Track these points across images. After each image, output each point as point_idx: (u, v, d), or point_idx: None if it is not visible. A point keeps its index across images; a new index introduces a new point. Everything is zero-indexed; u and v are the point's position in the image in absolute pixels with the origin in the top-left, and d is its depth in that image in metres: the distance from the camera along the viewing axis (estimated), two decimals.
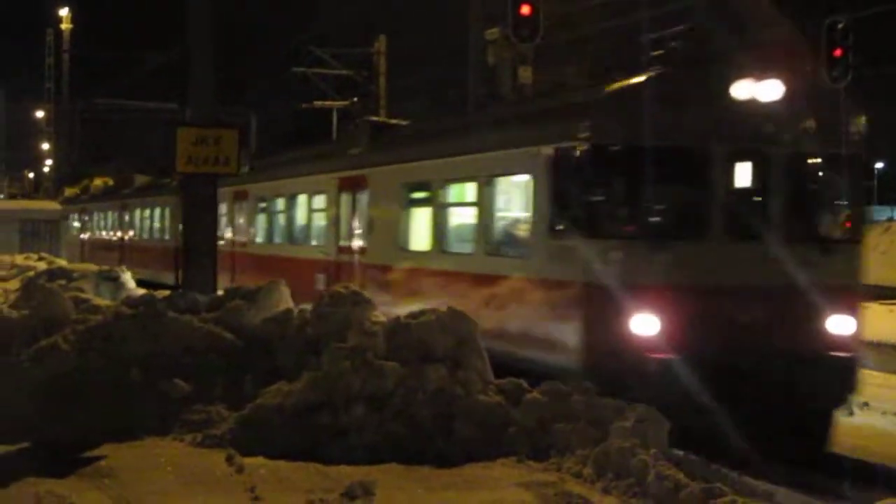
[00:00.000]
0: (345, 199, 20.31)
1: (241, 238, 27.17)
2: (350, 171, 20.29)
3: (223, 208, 28.27)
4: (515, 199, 15.12)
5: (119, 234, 41.49)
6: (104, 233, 44.72)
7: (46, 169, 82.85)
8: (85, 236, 48.59)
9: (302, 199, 23.18)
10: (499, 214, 15.31)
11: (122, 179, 47.77)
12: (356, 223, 19.74)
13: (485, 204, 15.18)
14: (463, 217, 16.23)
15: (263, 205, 25.76)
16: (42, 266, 29.32)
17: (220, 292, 14.99)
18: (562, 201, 13.07)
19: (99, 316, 13.09)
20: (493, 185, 15.13)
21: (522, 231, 14.45)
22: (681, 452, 9.86)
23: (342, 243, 20.24)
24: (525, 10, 21.89)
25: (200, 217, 16.64)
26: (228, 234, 27.83)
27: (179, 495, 8.79)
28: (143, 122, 63.70)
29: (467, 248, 15.80)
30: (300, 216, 23.52)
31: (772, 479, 10.42)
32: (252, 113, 50.24)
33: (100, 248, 44.26)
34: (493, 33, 23.23)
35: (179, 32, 17.04)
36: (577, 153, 12.67)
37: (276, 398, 10.90)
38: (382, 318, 12.60)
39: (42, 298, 14.30)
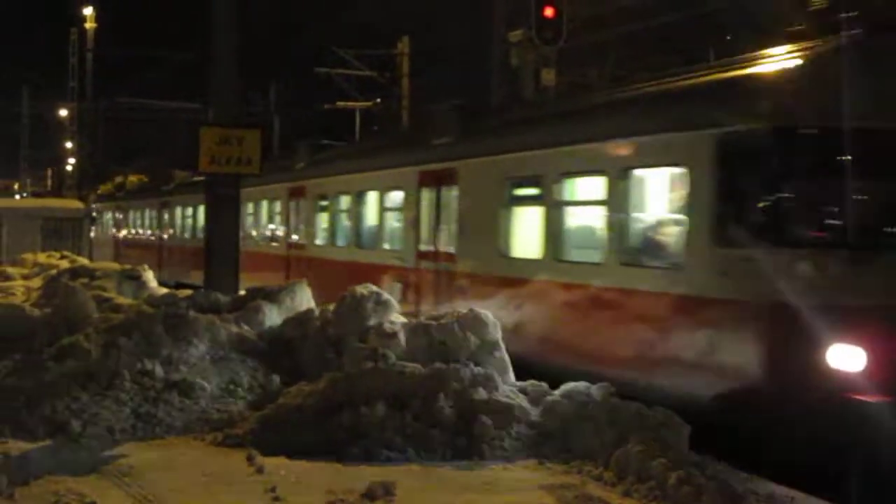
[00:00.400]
0: (427, 196, 17.73)
1: (298, 239, 24.70)
2: (435, 164, 17.62)
3: (277, 206, 26.64)
4: (662, 196, 12.68)
5: (158, 232, 39.16)
6: (142, 231, 42.43)
7: (70, 168, 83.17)
8: (119, 235, 46.69)
9: (372, 196, 20.58)
10: (637, 215, 12.75)
11: (159, 175, 44.63)
12: (441, 225, 17.17)
13: (618, 202, 12.63)
14: (586, 218, 13.82)
15: (324, 203, 23.18)
16: (64, 265, 29.34)
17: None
18: (733, 199, 10.77)
19: (121, 314, 13.18)
20: (630, 178, 12.61)
21: (673, 236, 11.99)
22: (702, 456, 9.78)
23: (423, 248, 17.70)
24: (548, 12, 21.96)
25: (223, 217, 16.76)
26: (282, 235, 25.95)
27: (200, 495, 8.78)
28: (167, 121, 63.88)
29: (594, 256, 13.24)
30: (369, 216, 20.90)
31: None
32: (274, 114, 50.43)
33: (136, 248, 42.01)
34: (516, 35, 23.25)
35: (203, 32, 17.07)
36: (756, 139, 10.38)
37: (297, 398, 10.91)
38: (403, 319, 12.60)
39: (64, 297, 14.44)
